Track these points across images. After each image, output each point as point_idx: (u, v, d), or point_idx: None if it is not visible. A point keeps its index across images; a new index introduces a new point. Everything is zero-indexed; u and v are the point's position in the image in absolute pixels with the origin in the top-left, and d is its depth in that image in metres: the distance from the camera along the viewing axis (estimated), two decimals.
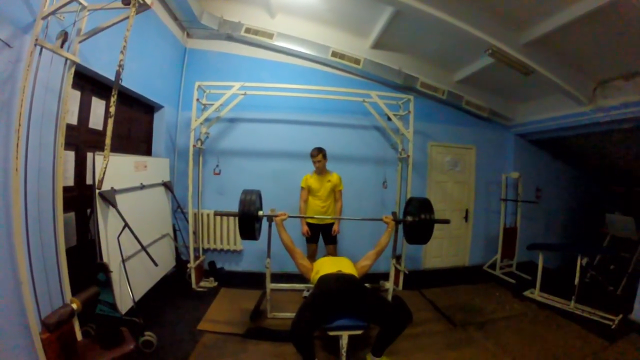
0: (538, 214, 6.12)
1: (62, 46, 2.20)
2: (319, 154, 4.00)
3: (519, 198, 5.53)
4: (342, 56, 4.84)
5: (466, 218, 5.85)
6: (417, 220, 3.15)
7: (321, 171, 4.11)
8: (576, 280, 3.93)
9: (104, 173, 2.17)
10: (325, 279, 2.81)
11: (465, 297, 4.47)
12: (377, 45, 4.85)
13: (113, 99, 2.09)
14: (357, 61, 4.89)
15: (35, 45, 1.98)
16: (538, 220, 6.15)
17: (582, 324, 3.61)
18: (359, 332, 2.61)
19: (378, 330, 2.67)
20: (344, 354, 2.59)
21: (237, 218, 3.11)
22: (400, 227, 3.49)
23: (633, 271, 4.57)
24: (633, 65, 3.78)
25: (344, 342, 2.58)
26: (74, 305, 2.09)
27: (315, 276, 2.96)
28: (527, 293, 4.36)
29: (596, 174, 6.93)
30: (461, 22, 3.58)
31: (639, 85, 3.81)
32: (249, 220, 3.06)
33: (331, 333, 2.59)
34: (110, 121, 2.13)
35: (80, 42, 2.31)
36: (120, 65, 2.06)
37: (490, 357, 3.02)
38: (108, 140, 2.16)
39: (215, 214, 3.45)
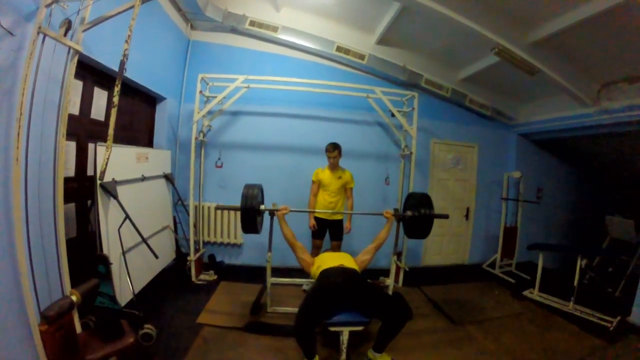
0: (538, 214, 6.11)
1: (65, 35, 2.16)
2: (335, 149, 3.97)
3: (520, 197, 5.51)
4: (347, 51, 4.80)
5: (467, 216, 5.84)
6: (417, 215, 3.19)
7: (334, 167, 4.08)
8: (575, 281, 3.94)
9: (106, 164, 2.15)
10: (328, 273, 2.81)
11: (464, 295, 4.48)
12: (382, 41, 4.81)
13: (117, 89, 2.06)
14: (361, 57, 4.85)
15: (38, 33, 1.94)
16: (538, 221, 6.14)
17: (580, 324, 3.63)
18: (360, 328, 2.61)
19: (380, 326, 2.67)
20: (345, 350, 2.59)
21: (239, 212, 3.11)
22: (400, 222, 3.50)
23: (632, 274, 4.57)
24: (638, 69, 3.75)
25: (344, 337, 2.58)
26: (74, 298, 2.06)
27: (316, 270, 2.95)
28: (526, 293, 4.37)
29: (598, 175, 6.91)
30: (468, 20, 3.56)
31: None
32: (251, 214, 3.06)
33: (332, 329, 2.58)
34: (114, 111, 2.11)
35: (83, 31, 2.27)
36: (124, 55, 2.03)
37: (490, 356, 3.03)
38: (111, 131, 2.14)
39: (217, 208, 3.45)
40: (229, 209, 3.75)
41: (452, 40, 4.43)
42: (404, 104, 4.72)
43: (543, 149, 6.22)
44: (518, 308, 4.10)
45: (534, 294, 4.29)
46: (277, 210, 3.24)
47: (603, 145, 5.52)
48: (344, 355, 2.60)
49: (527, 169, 5.63)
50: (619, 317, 3.57)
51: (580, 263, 3.99)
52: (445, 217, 3.30)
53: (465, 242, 5.90)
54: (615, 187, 7.06)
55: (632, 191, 6.43)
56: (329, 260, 3.03)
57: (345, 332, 2.58)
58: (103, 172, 2.17)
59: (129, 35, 2.05)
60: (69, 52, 2.28)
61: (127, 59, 2.08)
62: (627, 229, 5.09)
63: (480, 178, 5.85)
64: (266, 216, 3.44)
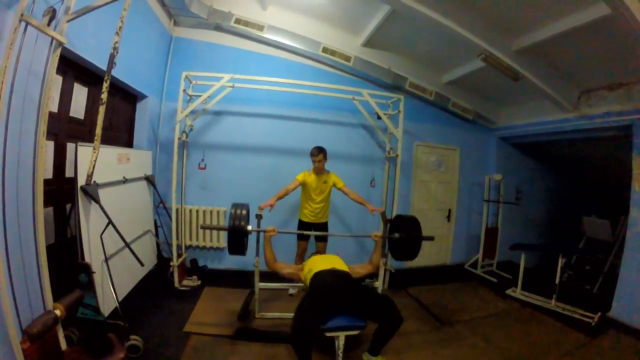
0: (517, 215, 6.26)
1: (48, 24, 1.98)
2: (319, 153, 3.85)
3: (501, 199, 5.65)
4: (332, 52, 4.76)
5: (449, 218, 5.93)
6: (404, 237, 3.16)
7: (320, 171, 3.97)
8: (557, 279, 4.06)
9: (94, 166, 2.01)
10: (321, 275, 2.78)
11: (449, 295, 4.54)
12: (369, 43, 4.80)
13: (105, 85, 1.94)
14: (347, 58, 4.82)
15: (20, 21, 1.77)
16: (517, 221, 6.28)
17: (563, 321, 3.77)
18: (356, 332, 2.58)
19: (375, 329, 2.66)
20: (340, 355, 2.55)
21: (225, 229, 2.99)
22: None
23: (608, 271, 4.77)
24: (617, 77, 3.90)
25: (340, 342, 2.54)
26: (58, 312, 1.91)
27: (307, 274, 2.91)
28: (509, 291, 4.47)
29: (575, 178, 7.16)
30: (458, 25, 3.60)
31: (622, 96, 3.94)
32: (239, 235, 2.92)
33: (328, 334, 2.54)
34: (102, 109, 1.99)
35: (68, 21, 2.09)
36: (114, 48, 1.91)
37: (480, 354, 3.09)
38: (99, 130, 2.01)
39: (202, 227, 3.29)
40: (215, 228, 3.62)
41: (438, 45, 4.47)
42: (389, 106, 4.74)
43: (522, 151, 6.38)
44: (503, 306, 4.20)
45: (517, 292, 4.40)
46: (265, 231, 3.14)
47: (581, 149, 5.73)
48: None
49: (506, 171, 5.76)
50: (599, 313, 3.70)
51: (560, 262, 4.12)
52: (431, 239, 3.25)
53: (448, 243, 5.98)
54: (591, 189, 7.33)
55: (608, 193, 6.66)
56: (319, 263, 2.99)
57: (341, 337, 2.55)
58: (90, 176, 2.02)
59: (120, 27, 1.93)
60: (51, 44, 2.10)
61: (117, 52, 1.95)
62: (603, 228, 5.27)
63: (461, 180, 5.94)
64: (255, 212, 3.35)
